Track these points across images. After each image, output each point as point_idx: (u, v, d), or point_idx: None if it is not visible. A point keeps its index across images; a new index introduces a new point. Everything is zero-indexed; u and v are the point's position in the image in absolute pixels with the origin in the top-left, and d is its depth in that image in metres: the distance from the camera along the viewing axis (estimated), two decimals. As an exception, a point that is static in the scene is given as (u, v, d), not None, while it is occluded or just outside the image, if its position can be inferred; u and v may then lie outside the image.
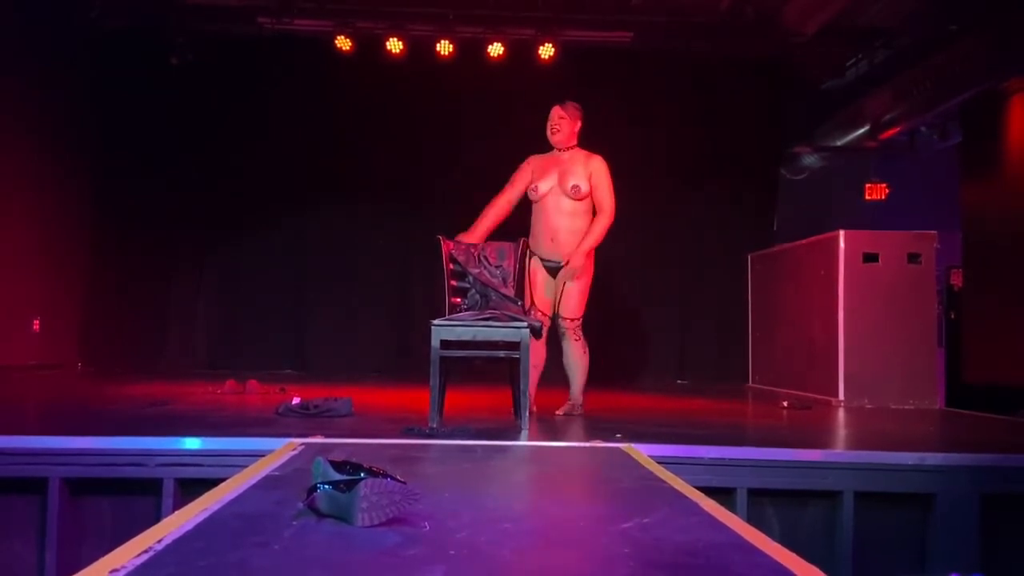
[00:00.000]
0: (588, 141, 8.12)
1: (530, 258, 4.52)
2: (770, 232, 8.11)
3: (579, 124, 4.74)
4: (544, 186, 4.56)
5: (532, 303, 4.51)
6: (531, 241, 4.53)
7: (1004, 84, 6.81)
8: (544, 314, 4.51)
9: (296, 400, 4.28)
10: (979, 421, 5.00)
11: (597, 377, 7.80)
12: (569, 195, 4.49)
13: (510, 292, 4.07)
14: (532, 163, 4.69)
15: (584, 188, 4.50)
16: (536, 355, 4.32)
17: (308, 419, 4.10)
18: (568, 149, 4.67)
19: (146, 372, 7.13)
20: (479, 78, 7.70)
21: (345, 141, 7.76)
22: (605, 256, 7.95)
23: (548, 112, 7.96)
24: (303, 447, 3.05)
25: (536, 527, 1.94)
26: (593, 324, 7.93)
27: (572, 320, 4.55)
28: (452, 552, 1.70)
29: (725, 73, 7.95)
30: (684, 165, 8.02)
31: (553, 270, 4.53)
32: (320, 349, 7.91)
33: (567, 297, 4.52)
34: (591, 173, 4.55)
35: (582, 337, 4.60)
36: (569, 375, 4.65)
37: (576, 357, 4.59)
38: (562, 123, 4.67)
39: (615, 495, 2.33)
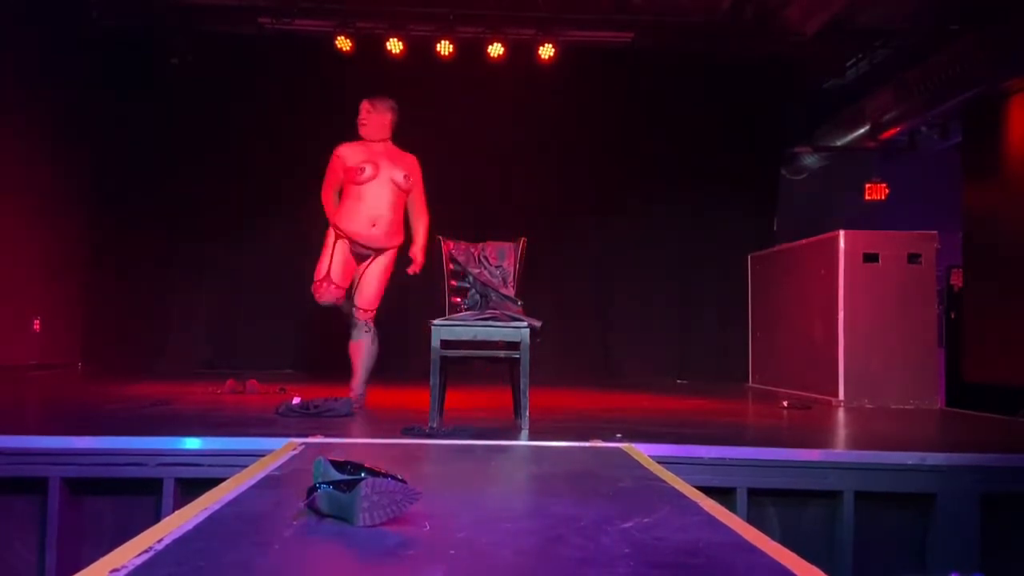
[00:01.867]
0: (587, 141, 8.16)
1: (338, 239, 4.64)
2: (770, 232, 8.11)
3: (390, 117, 4.87)
4: (369, 171, 4.67)
5: (327, 275, 4.61)
6: (344, 222, 4.62)
7: (1004, 84, 6.81)
8: (340, 287, 4.64)
9: (296, 400, 4.29)
10: (979, 421, 5.00)
11: (599, 377, 7.87)
12: (398, 185, 4.70)
13: (510, 292, 4.07)
14: (343, 152, 4.81)
15: (406, 183, 4.72)
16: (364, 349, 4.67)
17: (308, 419, 4.11)
18: (380, 141, 4.81)
19: (146, 372, 7.13)
20: (479, 78, 7.70)
21: (344, 141, 7.73)
22: (604, 256, 8.05)
23: (549, 111, 8.08)
24: (303, 447, 3.05)
25: (536, 527, 1.94)
26: (594, 324, 8.05)
27: (367, 311, 4.68)
28: (452, 552, 1.70)
29: (725, 73, 7.95)
30: (684, 165, 8.02)
31: (361, 256, 4.68)
32: (320, 349, 7.91)
33: (366, 285, 4.66)
34: (410, 171, 4.77)
35: (373, 328, 4.74)
36: (355, 366, 4.71)
37: (366, 348, 4.71)
38: (369, 117, 4.80)
39: (615, 495, 2.33)
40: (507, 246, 4.21)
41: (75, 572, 1.51)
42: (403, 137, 8.00)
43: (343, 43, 7.44)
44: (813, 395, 5.78)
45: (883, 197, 9.24)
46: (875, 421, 4.73)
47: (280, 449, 3.03)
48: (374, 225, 4.61)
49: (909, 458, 3.25)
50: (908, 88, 7.51)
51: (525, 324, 3.76)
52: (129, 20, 7.55)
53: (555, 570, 1.62)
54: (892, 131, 8.17)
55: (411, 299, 7.84)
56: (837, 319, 5.54)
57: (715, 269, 7.97)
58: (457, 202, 7.79)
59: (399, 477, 2.03)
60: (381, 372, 7.69)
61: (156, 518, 2.94)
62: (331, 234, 4.66)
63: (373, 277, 4.66)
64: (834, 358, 5.55)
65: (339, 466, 2.10)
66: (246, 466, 2.71)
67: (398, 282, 8.05)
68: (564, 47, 7.55)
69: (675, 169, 8.03)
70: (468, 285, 4.12)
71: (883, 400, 5.46)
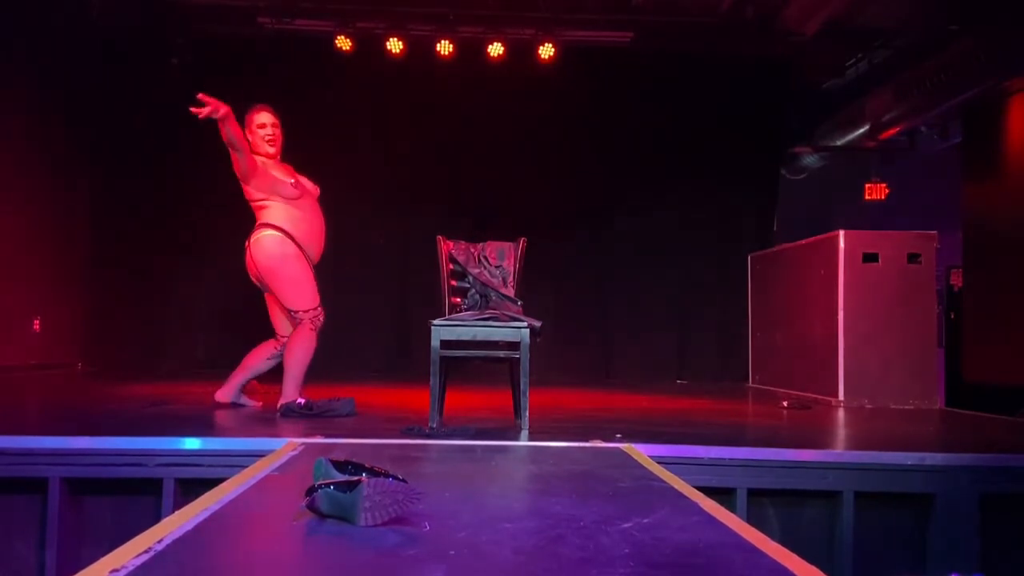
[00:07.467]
0: (587, 141, 8.14)
1: (301, 251, 4.39)
2: (770, 232, 8.12)
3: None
4: (305, 182, 4.54)
5: (320, 301, 4.47)
6: (300, 234, 4.39)
7: (1004, 84, 6.81)
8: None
9: (300, 400, 4.28)
10: (979, 421, 5.00)
11: (599, 377, 7.88)
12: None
13: (510, 292, 4.07)
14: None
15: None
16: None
17: (309, 419, 4.11)
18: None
19: (146, 372, 7.13)
20: (479, 78, 7.70)
21: (345, 141, 7.75)
22: (604, 255, 8.06)
23: (549, 111, 7.85)
24: (303, 447, 3.05)
25: (536, 527, 1.94)
26: (594, 324, 8.05)
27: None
28: (452, 552, 1.70)
29: (725, 73, 7.95)
30: (684, 165, 8.03)
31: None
32: (320, 349, 7.90)
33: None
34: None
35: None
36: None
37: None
38: (277, 131, 4.49)
39: (615, 495, 2.33)
40: (507, 246, 4.21)
41: (75, 572, 1.51)
42: (402, 137, 8.04)
43: (343, 43, 7.44)
44: (813, 395, 5.78)
45: (883, 197, 9.24)
46: (875, 421, 4.73)
47: (280, 449, 3.03)
48: (324, 239, 4.56)
49: (908, 458, 3.25)
50: (908, 88, 7.52)
51: (525, 324, 3.75)
52: (129, 20, 7.54)
53: (555, 570, 1.61)
54: (892, 131, 8.17)
55: (411, 299, 7.88)
56: (837, 319, 5.54)
57: (715, 269, 7.97)
58: (457, 202, 7.81)
59: (400, 477, 2.03)
60: (382, 372, 7.74)
61: (156, 518, 2.94)
62: (300, 251, 4.37)
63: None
64: (834, 358, 5.55)
65: (340, 466, 2.10)
66: (246, 466, 2.71)
67: (398, 282, 8.12)
68: (564, 47, 7.55)
69: (675, 169, 8.03)
70: (468, 285, 4.12)
71: (883, 400, 5.46)
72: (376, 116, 7.90)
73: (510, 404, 4.17)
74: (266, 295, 4.54)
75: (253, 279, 4.47)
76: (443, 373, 3.84)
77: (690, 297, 8.02)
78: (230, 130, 4.08)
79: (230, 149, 4.21)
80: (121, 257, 7.77)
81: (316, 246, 4.49)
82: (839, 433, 4.32)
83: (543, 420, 4.18)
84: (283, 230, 4.33)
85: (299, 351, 4.35)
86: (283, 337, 4.50)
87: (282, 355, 4.44)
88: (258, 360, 4.53)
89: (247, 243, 4.45)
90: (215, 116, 4.00)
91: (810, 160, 9.53)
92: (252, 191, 4.43)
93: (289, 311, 4.40)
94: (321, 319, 4.45)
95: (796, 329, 6.35)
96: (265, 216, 4.40)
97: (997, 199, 7.18)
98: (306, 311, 4.37)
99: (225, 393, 4.53)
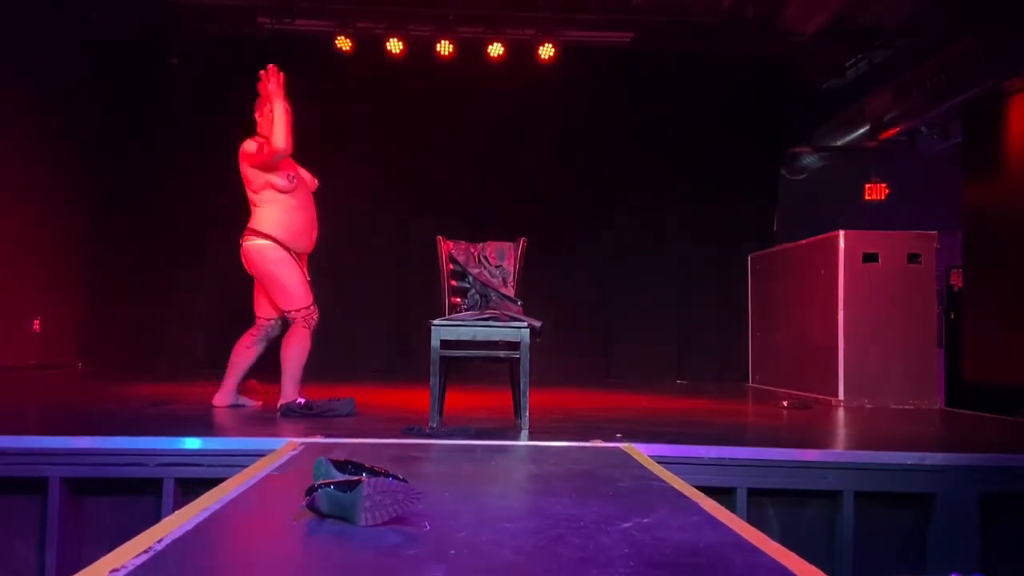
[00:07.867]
0: (587, 141, 8.14)
1: (291, 254, 4.37)
2: (770, 232, 8.12)
3: None
4: (304, 174, 4.54)
5: (313, 300, 4.43)
6: (291, 235, 4.37)
7: (1004, 84, 6.81)
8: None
9: (300, 400, 4.28)
10: (979, 421, 5.00)
11: (599, 377, 7.87)
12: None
13: (510, 292, 4.07)
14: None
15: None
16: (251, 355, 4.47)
17: (309, 419, 4.11)
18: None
19: (146, 372, 7.13)
20: (479, 78, 7.70)
21: (345, 141, 7.75)
22: (604, 256, 8.05)
23: (549, 111, 7.85)
24: (303, 447, 3.05)
25: (536, 527, 1.94)
26: (594, 324, 8.05)
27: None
28: (452, 552, 1.70)
29: (725, 73, 7.95)
30: (684, 165, 8.03)
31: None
32: (320, 349, 7.87)
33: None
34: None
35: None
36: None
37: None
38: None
39: (615, 495, 2.33)
40: (507, 246, 4.21)
41: (75, 572, 1.51)
42: (402, 137, 8.04)
43: (343, 43, 7.44)
44: (813, 395, 5.78)
45: (883, 197, 9.24)
46: (875, 421, 4.73)
47: (280, 449, 3.03)
48: (314, 231, 4.51)
49: (909, 458, 3.25)
50: (908, 88, 7.52)
51: (525, 324, 3.75)
52: (129, 20, 7.54)
53: (555, 570, 1.61)
54: (892, 131, 8.17)
55: (411, 299, 7.87)
56: (837, 319, 5.54)
57: (715, 269, 7.97)
58: (457, 202, 7.81)
59: (400, 477, 2.03)
60: (382, 372, 7.74)
61: (156, 518, 2.94)
62: (289, 254, 4.36)
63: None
64: (834, 358, 5.56)
65: (340, 466, 2.10)
66: (246, 466, 2.71)
67: (398, 282, 8.12)
68: (564, 47, 7.55)
69: (675, 169, 8.04)
70: (468, 285, 4.12)
71: (883, 400, 5.46)
72: (376, 116, 7.90)
73: (510, 404, 4.17)
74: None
75: (249, 272, 4.52)
76: (443, 373, 3.84)
77: (690, 297, 8.02)
78: (281, 107, 4.19)
79: (276, 128, 4.24)
80: (121, 257, 7.77)
81: (307, 238, 4.50)
82: (839, 433, 4.32)
83: (543, 420, 4.18)
84: (272, 237, 4.36)
85: (295, 350, 4.38)
86: (261, 319, 4.52)
87: (263, 339, 4.50)
88: (241, 355, 4.56)
89: (241, 242, 4.48)
90: (271, 87, 4.17)
91: (810, 160, 9.53)
92: (253, 177, 4.43)
93: (283, 311, 4.41)
94: (315, 318, 4.47)
95: (796, 329, 6.35)
96: (257, 218, 4.44)
97: (997, 199, 7.18)
98: (298, 310, 4.40)
99: (222, 397, 4.55)
